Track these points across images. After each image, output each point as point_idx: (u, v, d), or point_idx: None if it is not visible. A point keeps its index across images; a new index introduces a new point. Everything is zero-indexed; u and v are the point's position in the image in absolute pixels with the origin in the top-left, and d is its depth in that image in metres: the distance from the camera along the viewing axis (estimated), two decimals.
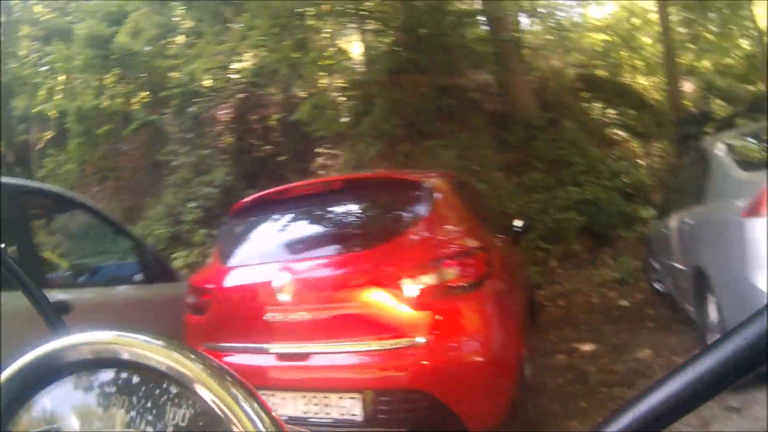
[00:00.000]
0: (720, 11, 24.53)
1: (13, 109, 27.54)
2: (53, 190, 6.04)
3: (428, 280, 3.73)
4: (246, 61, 15.17)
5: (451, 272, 3.78)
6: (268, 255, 4.45)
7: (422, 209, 4.33)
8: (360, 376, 3.77)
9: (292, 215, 4.81)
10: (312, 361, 3.86)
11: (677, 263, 6.44)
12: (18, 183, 5.03)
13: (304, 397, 3.85)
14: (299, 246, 4.41)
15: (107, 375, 0.82)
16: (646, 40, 21.21)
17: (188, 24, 13.39)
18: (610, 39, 21.00)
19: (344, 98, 15.05)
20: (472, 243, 4.16)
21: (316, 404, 3.83)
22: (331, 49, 15.77)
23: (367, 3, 14.66)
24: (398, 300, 3.75)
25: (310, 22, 13.50)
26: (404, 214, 4.43)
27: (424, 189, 4.47)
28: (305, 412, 3.84)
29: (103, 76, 18.82)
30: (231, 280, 4.47)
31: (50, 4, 29.31)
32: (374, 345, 3.77)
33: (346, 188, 4.77)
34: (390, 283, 3.80)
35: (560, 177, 12.51)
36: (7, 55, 26.58)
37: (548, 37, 19.59)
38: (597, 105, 17.02)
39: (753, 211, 4.19)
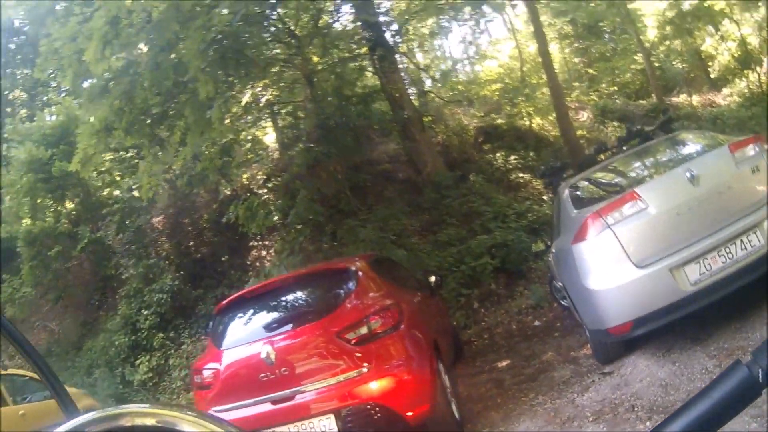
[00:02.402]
0: (612, 32, 26.90)
1: None
2: None
3: (362, 330, 5.96)
4: (176, 170, 16.73)
5: (375, 323, 6.01)
6: (252, 336, 6.54)
7: (351, 285, 6.62)
8: (331, 402, 5.87)
9: (264, 305, 7.07)
10: (296, 401, 5.95)
11: (558, 282, 8.67)
12: None
13: (294, 426, 5.94)
14: (273, 325, 6.60)
15: None
16: (536, 81, 23.13)
17: (127, 144, 14.98)
18: (504, 86, 23.08)
19: (270, 193, 16.89)
20: (387, 302, 6.36)
21: (302, 430, 5.92)
22: (248, 144, 17.68)
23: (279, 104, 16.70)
24: (346, 347, 5.96)
25: (228, 121, 15.08)
26: (340, 291, 6.72)
27: (350, 271, 6.81)
28: None
29: (45, 198, 20.24)
30: (228, 358, 6.53)
31: None
32: (337, 378, 5.91)
33: (298, 280, 7.24)
34: (340, 336, 5.99)
35: (472, 227, 14.40)
36: None
37: (448, 94, 21.55)
38: (499, 153, 18.95)
39: (577, 239, 6.40)
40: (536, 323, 11.04)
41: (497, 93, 22.91)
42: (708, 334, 6.12)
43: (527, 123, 21.42)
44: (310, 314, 6.63)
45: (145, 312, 16.35)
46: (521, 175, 17.89)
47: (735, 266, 5.81)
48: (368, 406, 5.83)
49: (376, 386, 5.84)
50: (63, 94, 17.90)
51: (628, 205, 6.11)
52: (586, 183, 7.85)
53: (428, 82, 20.73)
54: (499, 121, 21.23)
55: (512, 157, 18.85)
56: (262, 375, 6.07)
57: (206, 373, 6.57)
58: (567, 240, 6.83)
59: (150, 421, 0.89)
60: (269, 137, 20.90)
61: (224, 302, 7.39)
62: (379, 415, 5.84)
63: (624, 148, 9.16)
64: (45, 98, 27.80)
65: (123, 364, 16.03)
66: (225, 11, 10.98)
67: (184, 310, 16.46)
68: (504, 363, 9.28)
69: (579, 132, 20.26)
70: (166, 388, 14.94)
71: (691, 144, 7.68)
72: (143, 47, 10.98)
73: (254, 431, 5.97)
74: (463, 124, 20.89)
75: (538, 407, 6.60)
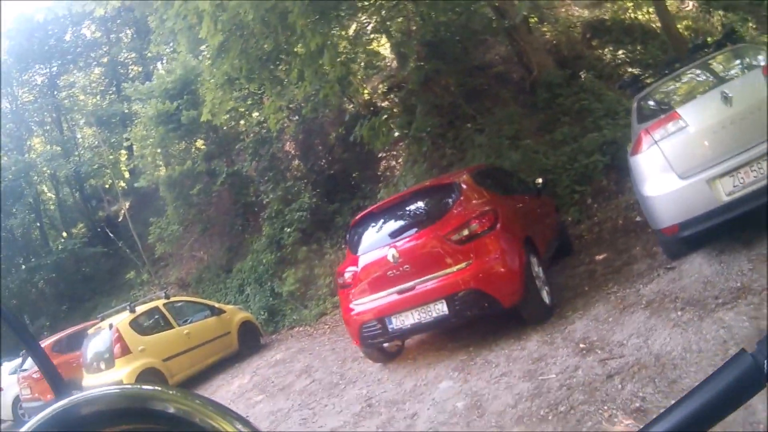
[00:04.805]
0: None
1: (87, 189, 32.56)
2: None
3: (465, 232, 8.02)
4: (300, 99, 18.44)
5: (475, 225, 8.03)
6: (380, 242, 8.78)
7: (456, 195, 8.69)
8: (442, 290, 7.98)
9: (388, 217, 9.30)
10: (416, 290, 8.13)
11: None
12: None
13: (416, 310, 8.15)
14: (396, 232, 8.78)
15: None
16: None
17: (251, 89, 17.01)
18: None
19: (391, 107, 18.69)
20: (485, 208, 8.30)
21: (422, 313, 8.13)
22: (363, 61, 19.15)
23: (389, 22, 17.97)
24: (453, 245, 8.04)
25: (343, 45, 16.92)
26: (448, 200, 8.80)
27: (455, 184, 8.88)
28: (418, 319, 8.14)
29: (177, 144, 23.29)
30: (362, 261, 8.81)
31: (104, 92, 34.48)
32: (447, 271, 8.02)
33: (414, 195, 9.38)
34: (447, 238, 8.07)
35: (584, 125, 15.56)
36: (77, 146, 31.58)
37: None
38: (607, 49, 19.74)
39: (634, 151, 8.08)
40: (638, 218, 12.22)
41: None
42: (759, 239, 7.29)
43: (632, 16, 21.67)
44: (424, 222, 8.76)
45: (288, 230, 18.84)
46: (630, 69, 18.39)
47: (765, 180, 6.87)
48: (470, 292, 7.90)
49: (476, 276, 7.86)
50: (171, 45, 20.41)
51: (671, 123, 7.56)
52: (649, 98, 9.31)
53: None
54: (606, 15, 21.69)
55: (620, 52, 19.55)
56: (390, 272, 8.32)
57: (347, 275, 8.96)
58: (630, 150, 8.48)
59: (140, 402, 0.91)
60: (385, 48, 21.85)
61: (357, 217, 9.79)
62: (479, 299, 7.92)
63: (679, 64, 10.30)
64: (155, 52, 31.12)
65: (271, 279, 18.75)
66: None
67: (323, 223, 18.80)
68: (602, 256, 10.96)
69: (684, 22, 20.55)
70: (312, 296, 17.39)
71: (746, 58, 8.87)
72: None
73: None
74: (570, 21, 21.61)
75: (611, 295, 8.34)
